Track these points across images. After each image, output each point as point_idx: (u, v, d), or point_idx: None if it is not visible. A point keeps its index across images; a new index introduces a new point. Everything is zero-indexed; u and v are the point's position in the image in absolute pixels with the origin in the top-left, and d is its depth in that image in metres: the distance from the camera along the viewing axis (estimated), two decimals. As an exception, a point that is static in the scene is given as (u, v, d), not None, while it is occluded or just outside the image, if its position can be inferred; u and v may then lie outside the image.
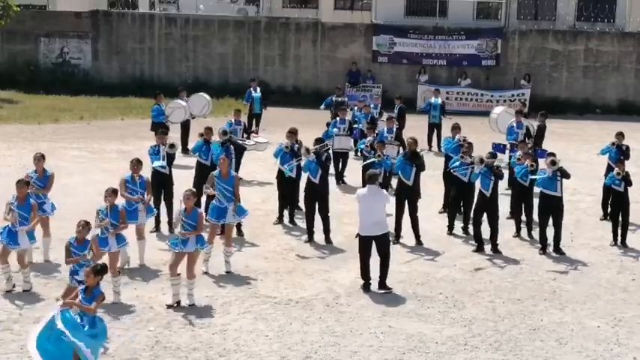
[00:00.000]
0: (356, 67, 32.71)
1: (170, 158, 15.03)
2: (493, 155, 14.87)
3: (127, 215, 12.37)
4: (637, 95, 32.98)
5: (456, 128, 17.10)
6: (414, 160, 14.72)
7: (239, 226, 14.88)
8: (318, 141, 15.34)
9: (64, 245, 10.84)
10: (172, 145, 15.20)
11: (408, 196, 14.68)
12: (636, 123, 28.79)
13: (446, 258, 14.06)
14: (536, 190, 15.11)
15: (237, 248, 14.15)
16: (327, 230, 14.69)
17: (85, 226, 10.76)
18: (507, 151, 18.05)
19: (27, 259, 12.21)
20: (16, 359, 9.71)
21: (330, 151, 16.43)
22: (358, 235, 12.35)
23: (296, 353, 10.15)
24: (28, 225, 11.75)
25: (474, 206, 14.74)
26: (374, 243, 12.24)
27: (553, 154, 14.60)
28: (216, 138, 16.10)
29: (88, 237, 10.85)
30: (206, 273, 12.72)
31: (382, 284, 12.30)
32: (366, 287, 12.31)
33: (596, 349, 10.55)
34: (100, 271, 9.32)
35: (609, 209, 16.06)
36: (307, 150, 14.67)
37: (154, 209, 13.96)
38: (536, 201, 14.99)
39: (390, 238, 13.23)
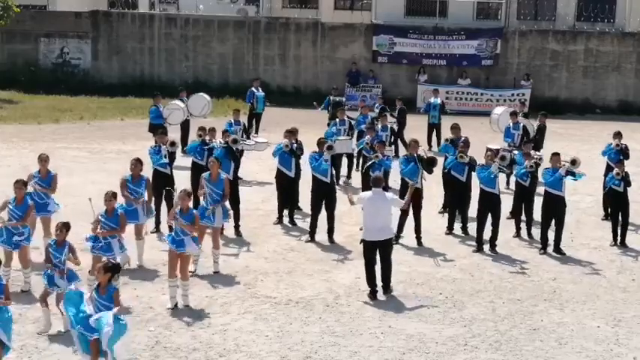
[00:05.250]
0: (356, 68, 32.71)
1: (171, 158, 15.00)
2: (502, 157, 14.79)
3: (127, 215, 12.32)
4: (637, 95, 32.99)
5: (455, 128, 17.10)
6: (427, 167, 14.60)
7: (237, 227, 14.88)
8: (320, 142, 15.24)
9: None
10: (173, 144, 15.17)
11: (415, 197, 14.54)
12: (636, 123, 28.79)
13: (446, 258, 14.07)
14: (538, 189, 15.10)
15: (238, 249, 14.18)
16: (331, 229, 14.68)
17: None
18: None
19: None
20: (15, 359, 9.71)
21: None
22: (362, 240, 12.12)
23: (296, 353, 10.14)
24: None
25: (477, 206, 14.62)
26: (377, 248, 12.03)
27: (557, 154, 14.57)
28: (218, 139, 15.99)
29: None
30: (194, 273, 12.54)
31: (386, 288, 12.16)
32: (372, 294, 12.01)
33: (596, 349, 10.54)
34: (111, 268, 9.31)
35: (609, 209, 16.06)
36: (330, 147, 14.62)
37: (154, 210, 13.92)
38: (537, 200, 15.00)
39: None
